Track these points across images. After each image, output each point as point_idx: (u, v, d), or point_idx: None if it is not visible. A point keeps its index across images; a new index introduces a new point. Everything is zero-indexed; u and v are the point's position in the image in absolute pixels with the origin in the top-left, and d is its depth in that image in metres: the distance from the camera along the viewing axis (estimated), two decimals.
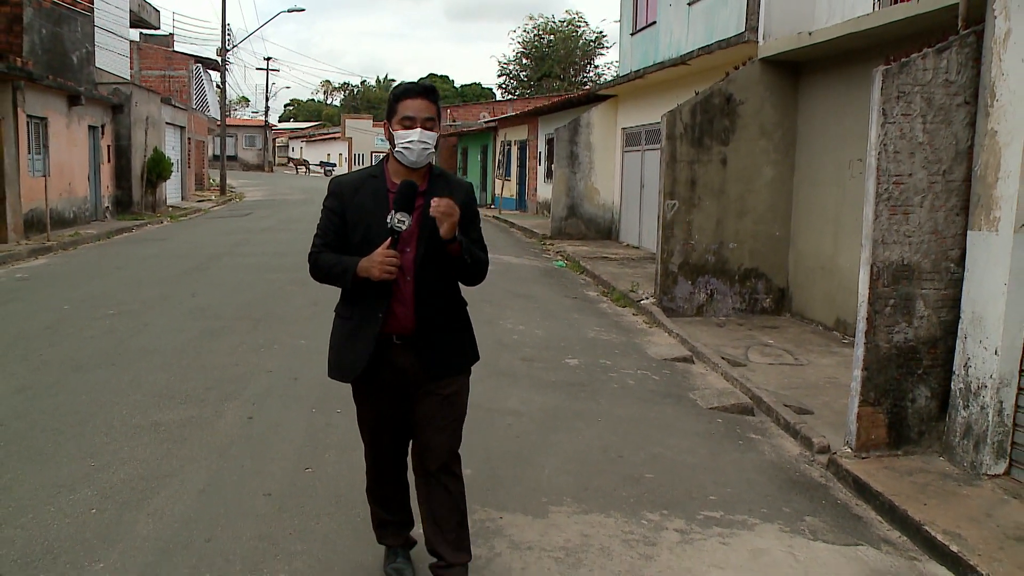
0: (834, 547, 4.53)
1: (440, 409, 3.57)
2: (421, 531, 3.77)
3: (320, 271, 3.54)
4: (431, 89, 3.50)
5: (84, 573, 3.81)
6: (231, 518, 4.42)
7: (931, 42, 5.68)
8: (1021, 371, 5.23)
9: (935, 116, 5.56)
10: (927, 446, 5.81)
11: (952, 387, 5.65)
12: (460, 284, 3.65)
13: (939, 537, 4.49)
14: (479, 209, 3.75)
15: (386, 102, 3.52)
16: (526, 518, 4.61)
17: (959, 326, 5.60)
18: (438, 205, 3.28)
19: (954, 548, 4.37)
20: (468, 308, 3.71)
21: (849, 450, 5.77)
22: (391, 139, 3.44)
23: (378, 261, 3.30)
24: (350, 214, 3.49)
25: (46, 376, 6.95)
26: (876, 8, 9.23)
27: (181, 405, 6.28)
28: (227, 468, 5.12)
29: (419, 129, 3.37)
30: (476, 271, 3.56)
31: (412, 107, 3.40)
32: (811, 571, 4.23)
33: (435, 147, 3.43)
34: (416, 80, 3.52)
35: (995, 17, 5.22)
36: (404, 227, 3.30)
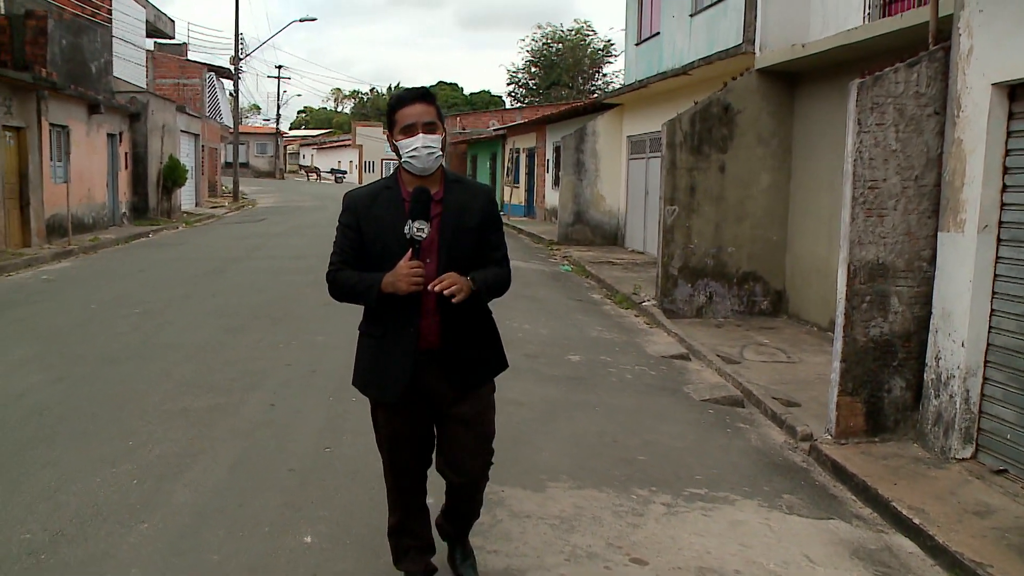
0: (808, 520, 4.95)
1: (468, 434, 3.52)
2: (440, 552, 3.94)
3: (340, 289, 3.43)
4: (426, 92, 3.39)
5: (131, 532, 4.28)
6: (259, 489, 4.88)
7: (907, 56, 6.11)
8: (986, 362, 5.65)
9: (907, 126, 5.99)
10: (903, 433, 6.22)
11: (925, 378, 6.06)
12: None
13: (904, 512, 4.92)
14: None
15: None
16: (525, 492, 5.05)
17: (931, 321, 6.02)
18: (440, 284, 3.20)
19: (917, 521, 4.80)
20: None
21: (829, 437, 6.19)
22: (396, 151, 3.37)
23: (404, 274, 3.21)
24: (366, 227, 3.38)
25: (82, 368, 7.44)
26: (866, 22, 9.66)
27: (208, 394, 6.74)
28: (253, 448, 5.59)
29: (421, 135, 3.28)
30: (496, 294, 3.48)
31: (411, 114, 3.31)
32: (784, 539, 4.65)
33: (442, 149, 3.34)
34: (418, 86, 3.46)
35: (960, 35, 5.66)
36: (424, 235, 3.21)
